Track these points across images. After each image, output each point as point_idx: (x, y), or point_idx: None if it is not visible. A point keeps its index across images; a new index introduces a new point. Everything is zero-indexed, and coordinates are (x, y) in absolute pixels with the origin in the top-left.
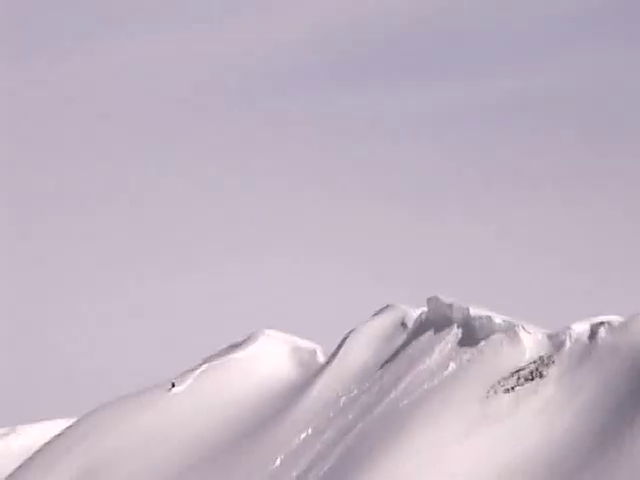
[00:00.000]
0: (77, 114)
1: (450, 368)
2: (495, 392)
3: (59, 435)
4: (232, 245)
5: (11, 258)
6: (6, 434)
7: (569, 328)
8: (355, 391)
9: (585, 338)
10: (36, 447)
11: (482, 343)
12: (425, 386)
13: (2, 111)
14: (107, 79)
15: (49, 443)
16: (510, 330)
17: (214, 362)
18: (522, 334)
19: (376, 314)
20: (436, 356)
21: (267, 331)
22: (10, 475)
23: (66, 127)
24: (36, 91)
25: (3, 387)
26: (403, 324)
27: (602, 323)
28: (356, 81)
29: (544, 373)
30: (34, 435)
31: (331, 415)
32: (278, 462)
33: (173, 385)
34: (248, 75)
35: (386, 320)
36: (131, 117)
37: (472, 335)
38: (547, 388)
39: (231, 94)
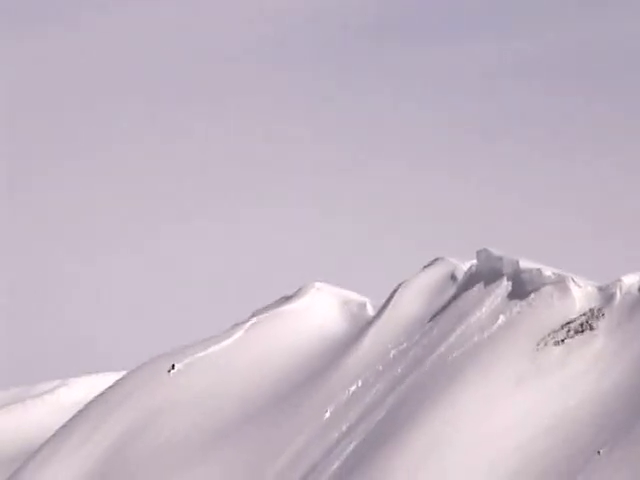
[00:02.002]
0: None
1: (500, 321)
2: (545, 344)
3: (110, 388)
4: (283, 198)
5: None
6: (57, 387)
7: (619, 280)
8: (405, 344)
9: (636, 290)
10: (86, 400)
11: (532, 296)
12: (475, 339)
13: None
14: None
15: (99, 396)
16: (560, 282)
17: (264, 315)
18: (572, 286)
19: (426, 267)
20: (486, 309)
21: (317, 284)
22: (60, 428)
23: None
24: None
25: (54, 339)
26: (453, 277)
27: None
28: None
29: (594, 325)
30: (85, 388)
31: (381, 368)
32: (328, 415)
33: (173, 367)
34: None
35: (436, 273)
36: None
37: (522, 288)
38: (597, 341)
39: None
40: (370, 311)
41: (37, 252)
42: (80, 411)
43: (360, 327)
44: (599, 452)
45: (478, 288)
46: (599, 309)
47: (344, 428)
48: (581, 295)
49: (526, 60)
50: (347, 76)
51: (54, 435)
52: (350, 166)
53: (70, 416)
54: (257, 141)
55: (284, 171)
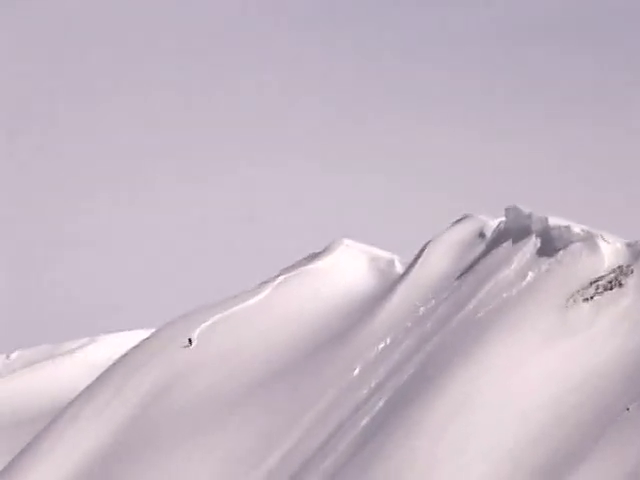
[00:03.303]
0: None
1: (529, 278)
2: (574, 302)
3: (135, 348)
4: (312, 155)
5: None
6: (86, 344)
7: None
8: (433, 301)
9: None
10: (114, 358)
11: (561, 253)
12: (503, 296)
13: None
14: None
15: (124, 356)
16: (589, 239)
17: (291, 273)
18: (601, 243)
19: (454, 224)
20: (514, 266)
21: (345, 241)
22: (86, 387)
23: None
24: None
25: (84, 297)
26: (481, 234)
27: None
28: None
29: (623, 282)
30: (113, 346)
31: (409, 325)
32: (357, 372)
33: (190, 341)
34: None
35: (464, 230)
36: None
37: (550, 245)
38: (626, 297)
39: None
40: (398, 268)
41: (53, 207)
42: (105, 371)
43: (388, 284)
44: (628, 409)
45: (507, 245)
46: (628, 266)
47: (373, 385)
48: (610, 252)
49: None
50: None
51: (80, 394)
52: (380, 123)
53: (98, 374)
54: (276, 97)
55: (311, 129)
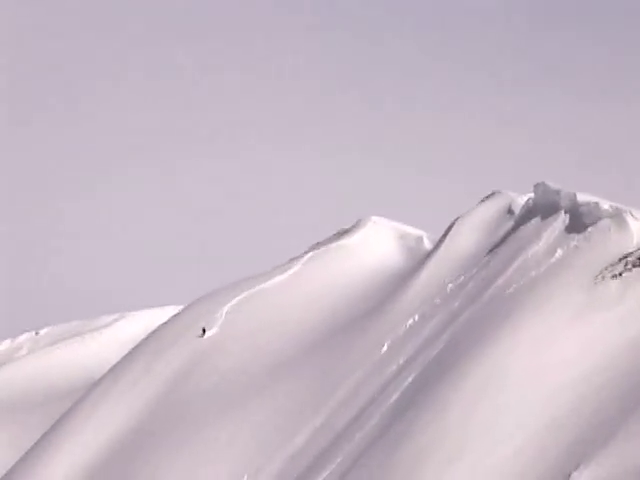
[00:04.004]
0: None
1: (557, 255)
2: (603, 278)
3: (164, 324)
4: (342, 132)
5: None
6: (115, 321)
7: None
8: (462, 278)
9: None
10: (145, 334)
11: (589, 229)
12: (532, 273)
13: None
14: None
15: (154, 332)
16: (617, 216)
17: (320, 249)
18: (630, 219)
19: (483, 201)
20: (543, 243)
21: (374, 218)
22: (119, 362)
23: None
24: None
25: (113, 273)
26: (510, 211)
27: None
28: None
29: None
30: (143, 322)
31: (438, 302)
32: (385, 348)
33: (204, 331)
34: None
35: (493, 207)
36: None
37: (579, 221)
38: None
39: None
40: (427, 245)
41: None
42: (135, 347)
43: (417, 261)
44: None
45: (535, 222)
46: None
47: (402, 361)
48: (638, 228)
49: None
50: None
51: (110, 370)
52: (410, 100)
53: (127, 351)
54: (305, 73)
55: (338, 106)
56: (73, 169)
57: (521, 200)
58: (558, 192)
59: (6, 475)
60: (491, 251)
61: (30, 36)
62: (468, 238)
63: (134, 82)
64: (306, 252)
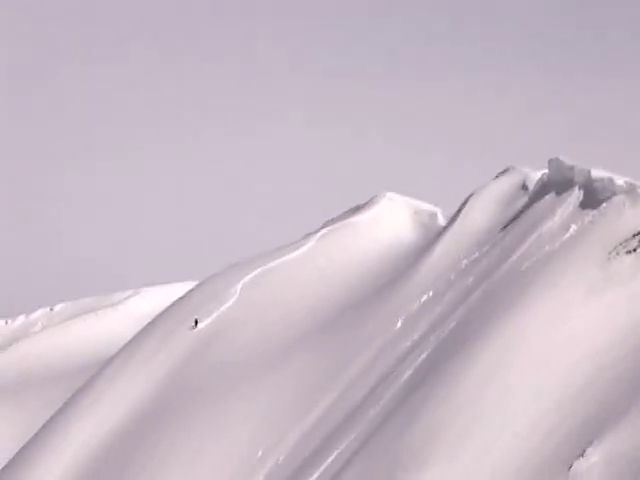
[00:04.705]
0: None
1: (571, 230)
2: (617, 254)
3: (178, 300)
4: (357, 108)
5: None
6: (129, 297)
7: None
8: (476, 254)
9: None
10: (159, 310)
11: (604, 205)
12: (546, 249)
13: None
14: None
15: (168, 308)
16: (632, 192)
17: (334, 225)
18: None
19: (497, 177)
20: (557, 218)
21: (388, 194)
22: (134, 337)
23: None
24: None
25: (128, 250)
26: (524, 187)
27: None
28: None
29: None
30: (157, 298)
31: (452, 278)
32: (399, 324)
33: (196, 322)
34: None
35: (507, 183)
36: None
37: (593, 197)
38: None
39: None
40: (441, 221)
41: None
42: (149, 323)
43: (431, 237)
44: None
45: (549, 198)
46: None
47: (415, 338)
48: None
49: None
50: None
51: (125, 346)
52: (422, 75)
53: (141, 327)
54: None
55: (351, 80)
56: (87, 142)
57: (535, 176)
58: (572, 168)
59: (21, 451)
60: (505, 227)
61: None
62: (482, 214)
63: (142, 56)
64: (321, 228)
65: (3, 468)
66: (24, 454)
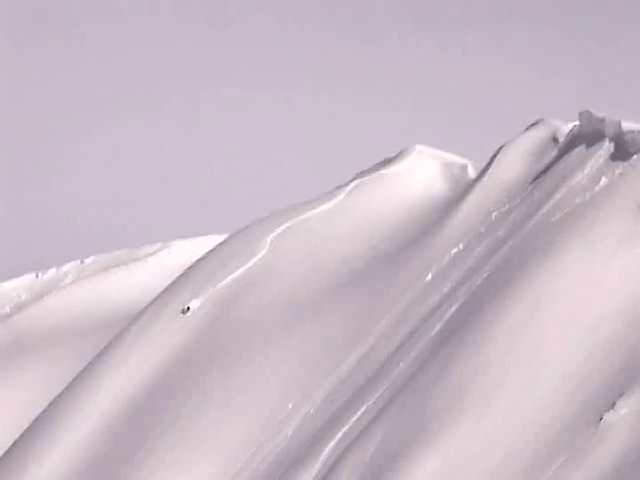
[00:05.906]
0: None
1: (602, 182)
2: None
3: (209, 253)
4: (387, 63)
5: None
6: (159, 250)
7: None
8: (506, 206)
9: None
10: (189, 264)
11: (634, 157)
12: (576, 201)
13: None
14: None
15: (198, 261)
16: None
17: (365, 178)
18: None
19: (527, 129)
20: (588, 171)
21: (418, 147)
22: (163, 291)
23: None
24: None
25: (157, 203)
26: (554, 139)
27: None
28: None
29: None
30: (188, 251)
31: (482, 230)
32: (429, 277)
33: (188, 309)
34: None
35: (537, 135)
36: None
37: (624, 149)
38: None
39: None
40: (471, 173)
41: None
42: (179, 276)
43: (461, 190)
44: None
45: (580, 150)
46: None
47: (445, 291)
48: None
49: None
50: None
51: (155, 299)
52: (452, 26)
53: (172, 279)
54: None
55: (388, 32)
56: (119, 95)
57: (566, 128)
58: (602, 120)
59: (50, 405)
60: (536, 179)
61: None
62: (513, 166)
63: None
64: (351, 180)
65: (36, 422)
66: (54, 408)
